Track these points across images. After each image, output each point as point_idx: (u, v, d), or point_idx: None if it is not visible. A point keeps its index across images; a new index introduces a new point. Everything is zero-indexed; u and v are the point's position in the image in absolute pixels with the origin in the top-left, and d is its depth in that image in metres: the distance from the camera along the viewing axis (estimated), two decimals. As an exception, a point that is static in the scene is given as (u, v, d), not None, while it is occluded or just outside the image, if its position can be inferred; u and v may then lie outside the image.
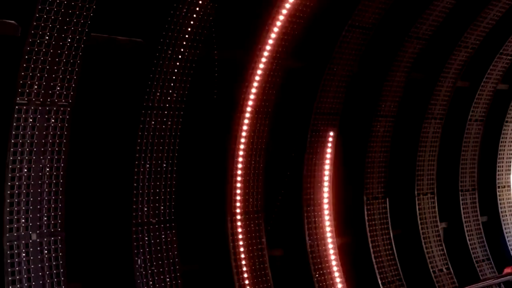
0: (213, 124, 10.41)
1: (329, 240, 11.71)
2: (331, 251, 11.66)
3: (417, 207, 13.86)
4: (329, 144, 11.65)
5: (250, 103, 10.43)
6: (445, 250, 14.08)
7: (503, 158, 16.07)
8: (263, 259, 10.66)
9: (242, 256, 10.36)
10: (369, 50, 12.00)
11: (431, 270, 13.74)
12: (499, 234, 15.96)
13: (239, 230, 10.41)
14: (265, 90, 10.54)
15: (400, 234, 13.60)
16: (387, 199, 13.15)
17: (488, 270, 15.01)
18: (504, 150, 16.03)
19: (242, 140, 10.45)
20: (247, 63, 10.32)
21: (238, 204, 10.44)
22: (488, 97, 14.88)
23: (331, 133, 11.62)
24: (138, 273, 9.03)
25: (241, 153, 10.47)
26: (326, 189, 11.69)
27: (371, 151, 12.83)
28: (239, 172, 10.46)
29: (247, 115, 10.44)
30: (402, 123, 13.38)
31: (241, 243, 10.38)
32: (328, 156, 11.68)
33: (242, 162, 10.48)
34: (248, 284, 10.34)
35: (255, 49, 10.28)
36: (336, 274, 11.65)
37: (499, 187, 16.09)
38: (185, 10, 9.08)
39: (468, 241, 14.83)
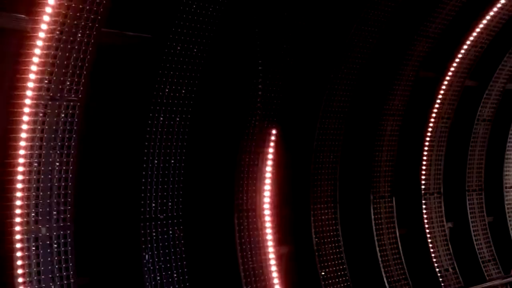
0: (223, 123, 10.43)
1: (336, 238, 11.72)
2: (339, 249, 11.68)
3: (423, 206, 13.86)
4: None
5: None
6: (451, 250, 14.07)
7: (510, 159, 16.04)
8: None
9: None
10: (378, 48, 12.00)
11: (437, 270, 13.73)
12: (505, 235, 15.94)
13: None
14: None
15: (406, 234, 13.59)
16: (394, 198, 13.14)
17: (494, 271, 15.01)
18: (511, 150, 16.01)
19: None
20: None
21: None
22: (496, 97, 14.86)
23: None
24: (146, 269, 9.06)
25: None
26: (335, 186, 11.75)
27: (378, 149, 12.83)
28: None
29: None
30: (410, 121, 13.38)
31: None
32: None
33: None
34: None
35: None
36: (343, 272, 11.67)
37: (506, 187, 16.08)
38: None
39: (474, 241, 14.83)
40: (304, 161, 11.63)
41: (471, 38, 13.26)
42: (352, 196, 12.69)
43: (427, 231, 13.79)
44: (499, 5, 12.97)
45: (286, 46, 10.48)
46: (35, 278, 7.70)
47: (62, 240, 8.01)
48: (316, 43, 11.31)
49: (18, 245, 7.64)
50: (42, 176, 7.91)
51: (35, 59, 7.73)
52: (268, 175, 10.66)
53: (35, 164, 7.84)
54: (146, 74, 9.24)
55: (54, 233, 7.95)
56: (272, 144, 10.80)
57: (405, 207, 13.65)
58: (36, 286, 7.70)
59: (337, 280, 11.75)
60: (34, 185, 7.85)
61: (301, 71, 11.34)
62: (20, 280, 7.59)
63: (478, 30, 13.18)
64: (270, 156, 10.79)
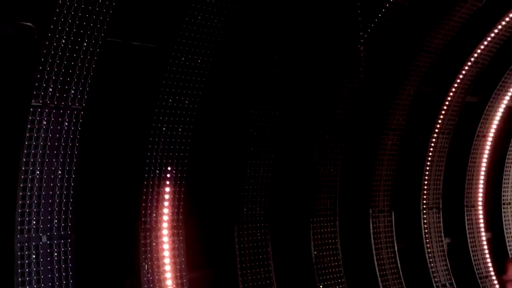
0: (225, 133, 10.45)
1: (335, 251, 11.72)
2: (337, 262, 11.67)
3: (422, 221, 13.86)
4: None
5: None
6: (449, 266, 14.06)
7: (509, 175, 16.06)
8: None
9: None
10: (380, 63, 12.03)
11: (434, 285, 13.71)
12: (503, 251, 15.94)
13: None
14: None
15: (405, 248, 13.59)
16: (393, 212, 13.15)
17: (492, 287, 14.98)
18: (510, 167, 16.02)
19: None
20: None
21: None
22: (496, 113, 14.89)
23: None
24: (145, 279, 9.04)
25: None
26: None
27: (378, 164, 12.85)
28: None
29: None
30: (410, 136, 13.40)
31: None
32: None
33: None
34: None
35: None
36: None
37: (504, 203, 16.08)
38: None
39: (472, 257, 14.81)
40: (305, 173, 11.64)
41: (475, 55, 13.33)
42: (352, 210, 12.69)
43: (426, 246, 13.78)
44: (503, 23, 13.07)
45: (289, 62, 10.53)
46: (35, 286, 7.68)
47: (63, 249, 7.99)
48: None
49: (19, 253, 7.62)
50: (44, 184, 7.91)
51: (40, 67, 7.75)
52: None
53: (37, 172, 7.84)
54: (150, 84, 9.26)
55: (55, 242, 7.94)
56: (272, 156, 10.85)
57: (404, 222, 13.65)
58: (36, 294, 7.69)
59: (335, 293, 11.76)
60: (36, 193, 7.84)
61: (302, 81, 11.38)
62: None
63: (482, 47, 13.25)
64: (270, 168, 10.83)
